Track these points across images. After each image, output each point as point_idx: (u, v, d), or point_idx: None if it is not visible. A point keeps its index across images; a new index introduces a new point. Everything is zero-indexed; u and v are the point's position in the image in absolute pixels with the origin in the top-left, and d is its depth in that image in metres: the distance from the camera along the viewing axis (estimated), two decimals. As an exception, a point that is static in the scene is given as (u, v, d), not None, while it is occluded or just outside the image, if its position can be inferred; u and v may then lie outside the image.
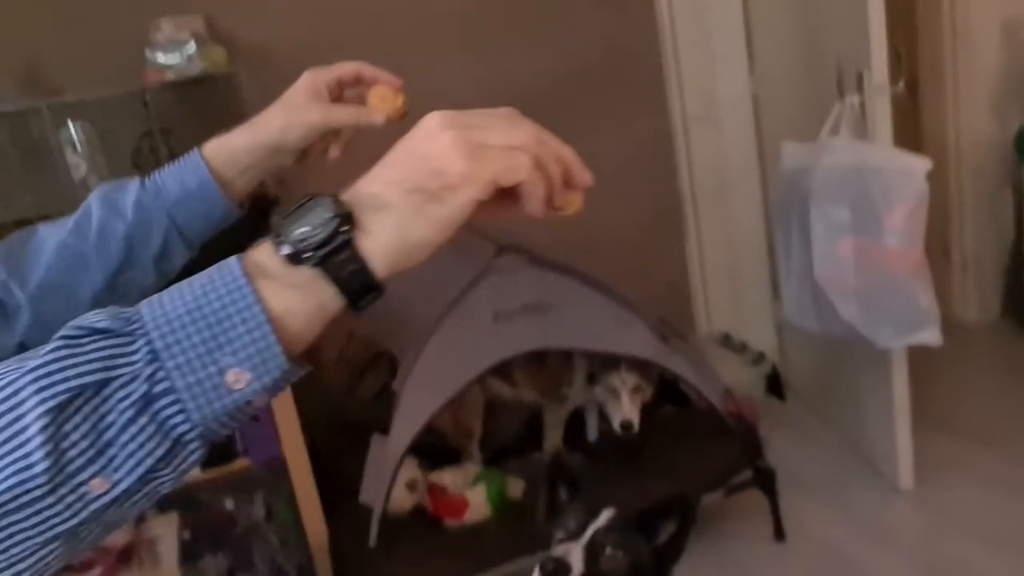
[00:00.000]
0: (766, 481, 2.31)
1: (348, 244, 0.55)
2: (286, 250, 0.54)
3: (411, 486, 2.28)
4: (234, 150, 0.97)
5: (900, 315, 2.12)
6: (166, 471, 0.52)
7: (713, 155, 3.17)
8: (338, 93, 1.00)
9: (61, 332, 0.50)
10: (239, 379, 0.52)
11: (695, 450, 2.32)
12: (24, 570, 0.50)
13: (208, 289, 0.53)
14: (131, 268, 0.95)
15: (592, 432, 2.48)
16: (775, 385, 2.89)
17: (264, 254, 0.55)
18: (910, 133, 3.27)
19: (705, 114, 3.15)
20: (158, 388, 0.51)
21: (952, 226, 3.45)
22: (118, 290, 0.94)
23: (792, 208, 2.33)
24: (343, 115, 0.99)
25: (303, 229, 0.55)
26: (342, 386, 2.61)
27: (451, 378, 2.05)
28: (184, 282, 0.54)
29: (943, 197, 3.32)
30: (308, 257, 0.54)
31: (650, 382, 2.34)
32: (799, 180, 2.28)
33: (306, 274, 0.55)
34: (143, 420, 0.50)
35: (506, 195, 0.59)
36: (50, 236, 0.93)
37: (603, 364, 2.35)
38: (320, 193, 0.57)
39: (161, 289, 0.54)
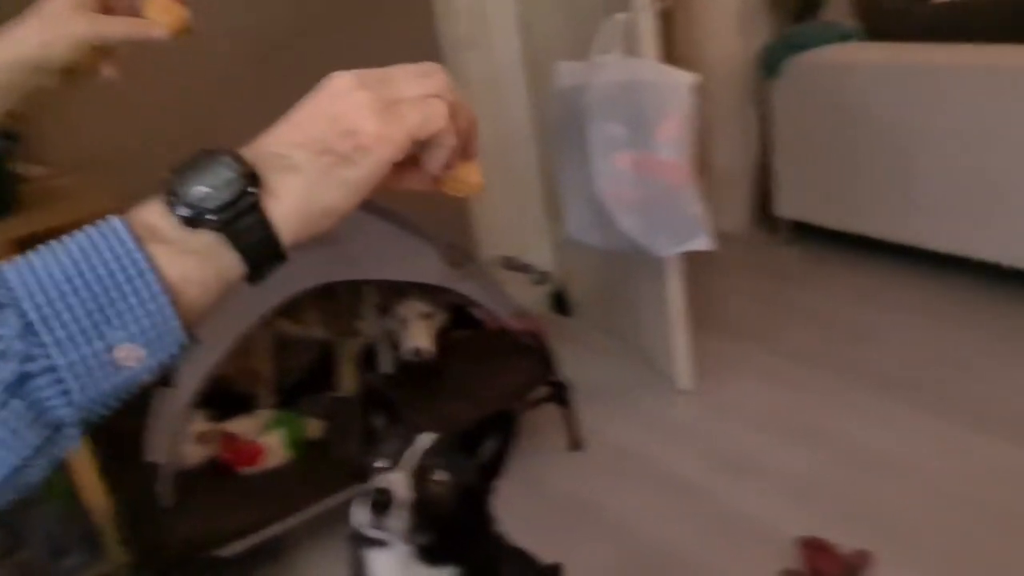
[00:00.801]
0: (560, 394, 2.39)
1: (254, 208, 0.50)
2: (184, 212, 0.49)
3: (202, 439, 2.15)
4: None
5: (675, 225, 2.23)
6: (37, 460, 0.46)
7: (483, 80, 3.16)
8: (105, 3, 0.87)
9: None
10: (130, 355, 0.47)
11: (492, 370, 2.35)
12: None
13: (90, 252, 0.46)
14: None
15: (386, 364, 2.44)
16: (560, 302, 2.98)
17: (155, 214, 0.49)
18: (669, 52, 3.43)
19: (473, 38, 3.12)
20: (34, 367, 0.44)
21: (707, 143, 3.68)
22: None
23: (569, 126, 2.38)
24: (115, 27, 0.86)
25: (203, 189, 0.49)
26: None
27: (235, 320, 1.94)
28: (54, 243, 0.47)
29: (700, 114, 3.52)
30: (209, 220, 0.49)
31: (442, 308, 2.33)
32: (574, 98, 2.33)
33: (205, 239, 0.49)
34: (15, 404, 0.44)
35: (409, 161, 0.57)
36: None
37: (394, 294, 2.32)
38: (217, 148, 0.51)
39: None
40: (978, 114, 2.76)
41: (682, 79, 2.11)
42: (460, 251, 2.24)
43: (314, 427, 2.22)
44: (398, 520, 1.11)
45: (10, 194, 1.81)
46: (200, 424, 2.15)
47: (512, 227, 3.28)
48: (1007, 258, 2.82)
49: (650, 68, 2.20)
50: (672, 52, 3.62)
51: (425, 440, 1.20)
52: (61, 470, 1.95)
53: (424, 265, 2.14)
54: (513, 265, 3.09)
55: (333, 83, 0.55)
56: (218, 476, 2.10)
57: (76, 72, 0.88)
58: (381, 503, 1.09)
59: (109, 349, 0.46)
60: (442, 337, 2.33)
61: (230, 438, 2.12)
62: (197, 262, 0.49)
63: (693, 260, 2.54)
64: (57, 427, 0.46)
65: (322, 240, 1.75)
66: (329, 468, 2.07)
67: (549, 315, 3.00)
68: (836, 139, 3.24)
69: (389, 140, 0.54)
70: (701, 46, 3.54)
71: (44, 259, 0.46)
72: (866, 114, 3.09)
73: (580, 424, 2.44)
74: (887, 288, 3.14)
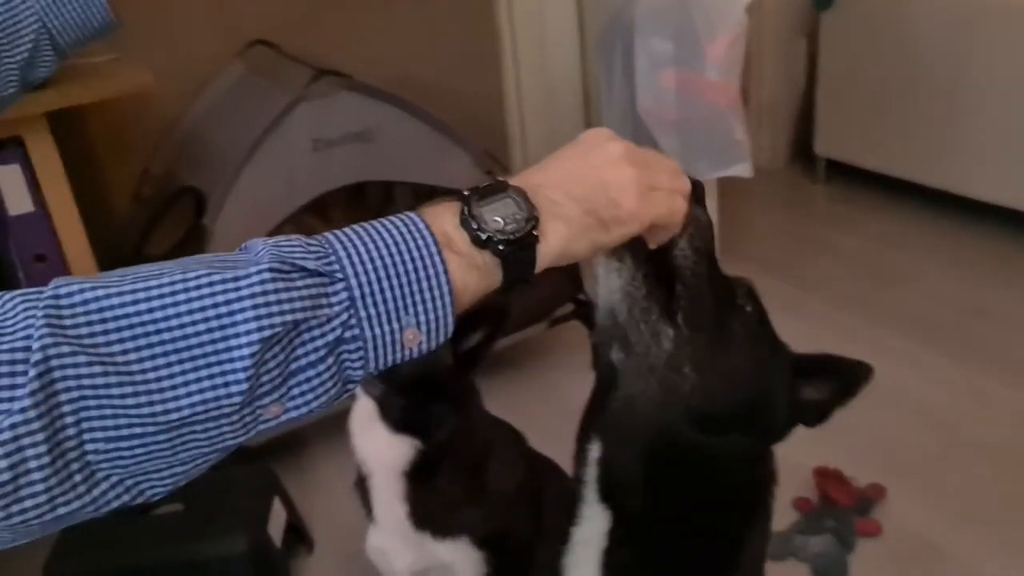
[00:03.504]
0: (586, 312, 2.38)
1: (531, 246, 0.58)
2: (480, 235, 0.56)
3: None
4: None
5: (716, 148, 2.19)
6: (320, 409, 0.55)
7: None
8: None
9: (264, 261, 0.50)
10: (414, 339, 0.55)
11: (519, 283, 2.34)
12: (180, 473, 0.52)
13: (401, 247, 0.54)
14: None
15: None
16: (589, 223, 2.96)
17: (451, 226, 0.57)
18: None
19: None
20: (348, 334, 0.52)
21: (751, 73, 3.59)
22: None
23: (615, 40, 2.32)
24: None
25: (498, 220, 0.57)
26: (139, 231, 2.40)
27: (268, 213, 1.93)
28: (369, 227, 0.55)
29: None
30: (496, 247, 0.56)
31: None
32: (623, 11, 2.26)
33: (488, 259, 0.57)
34: (330, 361, 0.52)
35: None
36: None
37: (426, 199, 2.30)
38: (503, 181, 0.60)
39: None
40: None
41: (737, -4, 2.04)
42: (494, 159, 2.21)
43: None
44: None
45: (46, 67, 1.78)
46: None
47: (549, 142, 3.24)
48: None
49: (704, -17, 2.13)
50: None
51: None
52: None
53: (457, 170, 2.12)
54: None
55: (606, 148, 0.64)
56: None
57: None
58: None
59: (401, 331, 0.54)
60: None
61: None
62: (478, 276, 0.57)
63: (724, 189, 2.50)
64: (346, 385, 0.55)
65: (359, 137, 1.74)
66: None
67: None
68: (884, 78, 3.15)
69: (640, 220, 0.63)
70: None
71: (364, 241, 0.54)
72: (918, 54, 2.99)
73: (602, 344, 2.44)
74: (919, 233, 3.08)
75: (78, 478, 0.48)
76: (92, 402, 0.47)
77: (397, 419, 1.17)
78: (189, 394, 0.49)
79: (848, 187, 3.49)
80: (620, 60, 2.32)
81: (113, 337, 0.47)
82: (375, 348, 0.54)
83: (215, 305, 0.49)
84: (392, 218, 0.55)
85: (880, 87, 3.17)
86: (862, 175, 3.40)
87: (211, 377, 0.49)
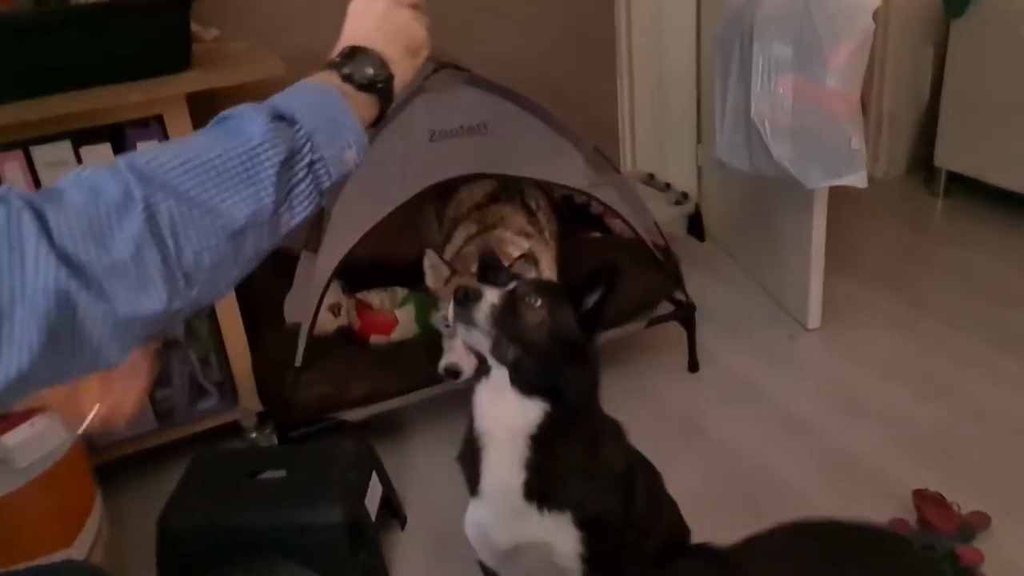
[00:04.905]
0: (686, 314, 2.38)
1: (390, 81, 0.91)
2: (364, 83, 0.88)
3: (334, 309, 2.25)
4: None
5: (830, 156, 2.15)
6: (305, 216, 0.81)
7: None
8: None
9: (262, 112, 0.77)
10: (350, 158, 0.82)
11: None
12: (236, 276, 0.76)
13: (323, 100, 0.82)
14: None
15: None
16: (695, 226, 2.94)
17: (336, 82, 0.86)
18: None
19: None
20: (315, 156, 0.79)
21: (872, 81, 3.49)
22: None
23: (734, 43, 2.30)
24: None
25: (367, 71, 0.89)
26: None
27: (384, 199, 1.99)
28: (299, 90, 0.83)
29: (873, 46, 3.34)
30: (376, 88, 0.89)
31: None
32: (744, 14, 2.24)
33: (368, 98, 0.88)
34: (310, 177, 0.79)
35: None
36: None
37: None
38: (359, 47, 0.90)
39: None
40: None
41: (865, 2, 1.99)
42: (604, 157, 2.22)
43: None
44: (483, 317, 1.18)
45: (186, 51, 1.89)
46: (334, 293, 2.24)
47: (657, 145, 3.23)
48: None
49: (830, -12, 2.09)
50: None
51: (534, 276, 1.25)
52: (209, 320, 2.09)
53: (568, 167, 2.14)
54: (653, 183, 3.06)
55: (378, 4, 0.94)
56: (349, 344, 2.20)
57: None
58: (471, 294, 1.18)
59: (342, 151, 0.81)
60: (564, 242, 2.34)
61: (365, 306, 2.21)
62: (365, 106, 0.87)
63: (836, 199, 2.45)
64: (321, 197, 0.81)
65: (474, 130, 1.79)
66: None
67: (683, 237, 2.97)
68: (1014, 90, 3.02)
69: (428, 41, 0.98)
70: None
71: (299, 98, 0.81)
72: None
73: (699, 348, 2.43)
74: (1043, 255, 2.96)
75: (182, 283, 0.70)
76: (179, 227, 0.69)
77: (529, 382, 1.21)
78: (241, 209, 0.72)
79: (968, 201, 3.37)
80: (737, 63, 2.29)
81: (184, 179, 0.70)
82: (332, 165, 0.80)
83: (242, 143, 0.74)
84: (304, 84, 0.84)
85: (1009, 99, 3.04)
86: (984, 189, 3.27)
87: (255, 194, 0.73)
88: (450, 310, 1.22)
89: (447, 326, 1.98)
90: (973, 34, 3.12)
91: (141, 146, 1.85)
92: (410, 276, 2.45)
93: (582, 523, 1.27)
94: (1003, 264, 2.93)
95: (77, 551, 1.64)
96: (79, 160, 1.81)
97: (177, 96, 1.83)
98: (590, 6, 3.02)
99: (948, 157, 3.36)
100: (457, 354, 1.95)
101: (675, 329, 2.41)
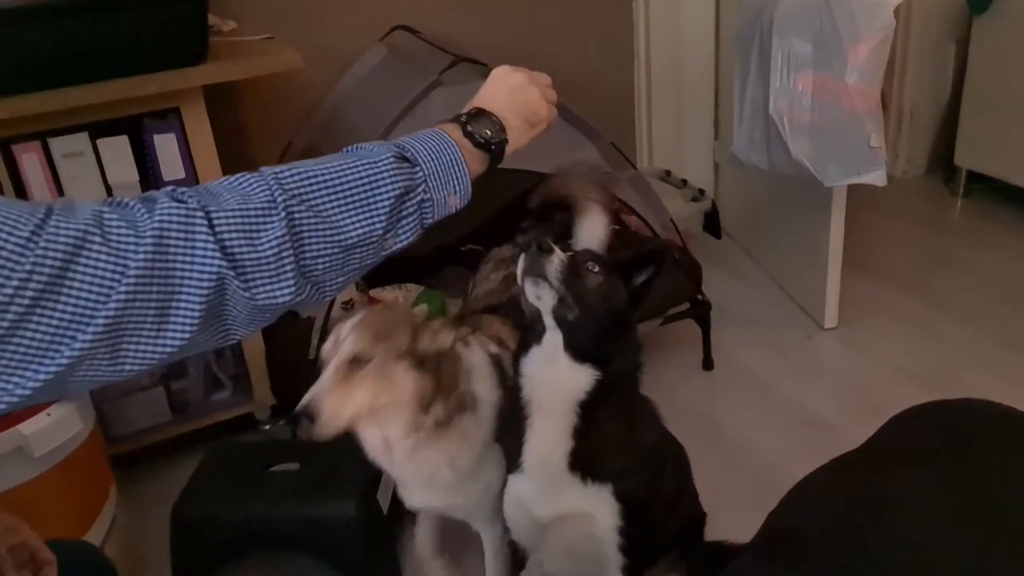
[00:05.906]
0: (702, 312, 2.37)
1: (504, 145, 1.02)
2: (481, 141, 0.99)
3: (346, 305, 2.25)
4: None
5: (850, 154, 2.13)
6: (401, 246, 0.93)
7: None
8: None
9: (390, 151, 0.91)
10: (453, 202, 0.95)
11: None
12: (340, 282, 0.88)
13: (442, 149, 0.94)
14: None
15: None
16: (712, 223, 2.92)
17: (458, 136, 0.98)
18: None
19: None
20: (425, 196, 0.92)
21: (893, 78, 3.46)
22: None
23: (753, 39, 2.28)
24: None
25: (487, 132, 1.00)
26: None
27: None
28: (423, 137, 0.95)
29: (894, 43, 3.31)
30: (489, 148, 1.00)
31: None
32: (763, 10, 2.22)
33: (482, 155, 0.99)
34: (417, 212, 0.91)
35: None
36: None
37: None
38: (485, 111, 1.02)
39: None
40: None
41: (885, -1, 1.97)
42: (620, 153, 2.21)
43: (456, 308, 2.28)
44: (553, 271, 1.19)
45: (203, 43, 1.89)
46: (349, 290, 2.24)
47: (674, 142, 3.21)
48: None
49: (850, -16, 2.07)
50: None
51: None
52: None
53: (587, 163, 2.13)
54: (670, 179, 3.04)
55: (515, 77, 1.08)
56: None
57: None
58: (545, 246, 1.20)
59: (447, 197, 0.94)
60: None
61: (379, 303, 2.21)
62: (477, 164, 0.99)
63: (854, 197, 2.43)
64: (423, 229, 0.94)
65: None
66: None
67: (699, 234, 2.95)
68: (1038, 89, 2.98)
69: (548, 120, 1.10)
70: (905, -27, 3.30)
71: (425, 147, 0.94)
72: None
73: (714, 346, 2.42)
74: (1064, 257, 2.92)
75: (301, 279, 0.83)
76: (306, 234, 0.83)
77: (582, 347, 1.23)
78: (356, 228, 0.86)
79: (988, 201, 3.33)
80: (756, 59, 2.27)
81: (316, 194, 0.84)
82: (435, 205, 0.93)
83: (369, 174, 0.87)
84: (430, 132, 0.96)
85: (1033, 98, 3.00)
86: (1005, 190, 3.23)
87: (369, 217, 0.87)
88: (520, 261, 1.22)
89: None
90: (996, 30, 3.08)
91: (158, 139, 1.86)
92: (424, 273, 2.46)
93: (621, 496, 1.30)
94: (1018, 264, 2.89)
95: (92, 539, 1.65)
96: (96, 152, 1.82)
97: (194, 88, 1.84)
98: (608, 1, 3.00)
99: (969, 156, 3.33)
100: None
101: (690, 327, 2.40)
